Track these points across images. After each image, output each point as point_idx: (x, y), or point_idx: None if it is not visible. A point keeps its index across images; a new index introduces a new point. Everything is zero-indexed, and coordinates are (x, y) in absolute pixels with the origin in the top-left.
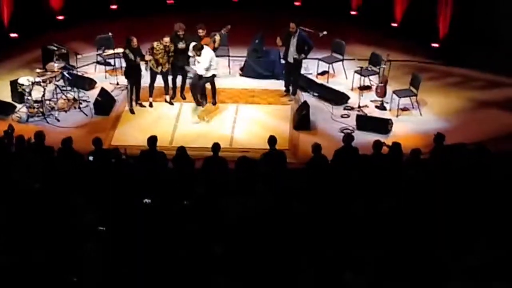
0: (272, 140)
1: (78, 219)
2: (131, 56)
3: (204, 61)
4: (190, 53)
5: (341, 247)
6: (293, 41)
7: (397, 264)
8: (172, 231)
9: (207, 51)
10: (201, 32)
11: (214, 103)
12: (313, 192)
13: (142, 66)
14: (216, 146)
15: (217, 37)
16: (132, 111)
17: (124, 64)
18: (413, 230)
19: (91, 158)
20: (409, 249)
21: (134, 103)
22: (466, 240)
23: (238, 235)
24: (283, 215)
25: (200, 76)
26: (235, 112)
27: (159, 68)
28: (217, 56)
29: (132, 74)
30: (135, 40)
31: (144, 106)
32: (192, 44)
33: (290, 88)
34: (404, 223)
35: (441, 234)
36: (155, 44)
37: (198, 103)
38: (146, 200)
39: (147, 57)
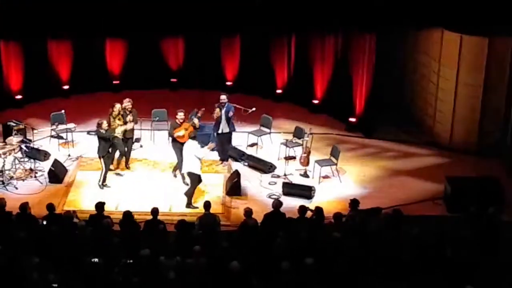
0: (206, 205)
1: (33, 278)
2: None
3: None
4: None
5: None
6: (223, 112)
7: None
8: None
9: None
10: (180, 117)
11: None
12: (246, 252)
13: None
14: (155, 211)
15: (196, 120)
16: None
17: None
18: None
19: (44, 222)
20: None
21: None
22: None
23: None
24: (219, 273)
25: None
26: (175, 180)
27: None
28: (158, 130)
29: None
30: (105, 123)
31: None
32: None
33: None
34: (327, 279)
35: None
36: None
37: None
38: (95, 260)
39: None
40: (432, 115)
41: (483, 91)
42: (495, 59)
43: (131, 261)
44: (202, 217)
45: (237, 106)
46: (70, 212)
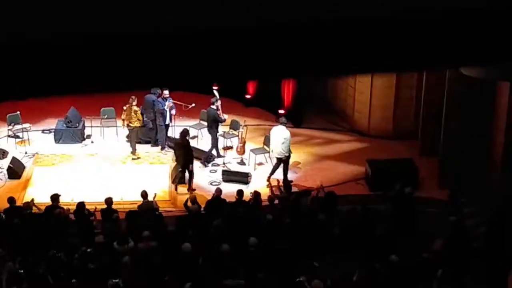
0: (143, 194)
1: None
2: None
3: None
4: None
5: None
6: (166, 106)
7: None
8: (77, 273)
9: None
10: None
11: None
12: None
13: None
14: (108, 200)
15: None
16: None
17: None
18: (273, 262)
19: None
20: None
21: None
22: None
23: (132, 272)
24: (171, 254)
25: None
26: (125, 171)
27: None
28: (108, 127)
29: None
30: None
31: None
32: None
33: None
34: (265, 256)
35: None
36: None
37: None
38: (54, 251)
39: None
40: (352, 105)
41: (396, 83)
42: None
43: (89, 249)
44: (142, 205)
45: (179, 102)
46: (28, 203)
